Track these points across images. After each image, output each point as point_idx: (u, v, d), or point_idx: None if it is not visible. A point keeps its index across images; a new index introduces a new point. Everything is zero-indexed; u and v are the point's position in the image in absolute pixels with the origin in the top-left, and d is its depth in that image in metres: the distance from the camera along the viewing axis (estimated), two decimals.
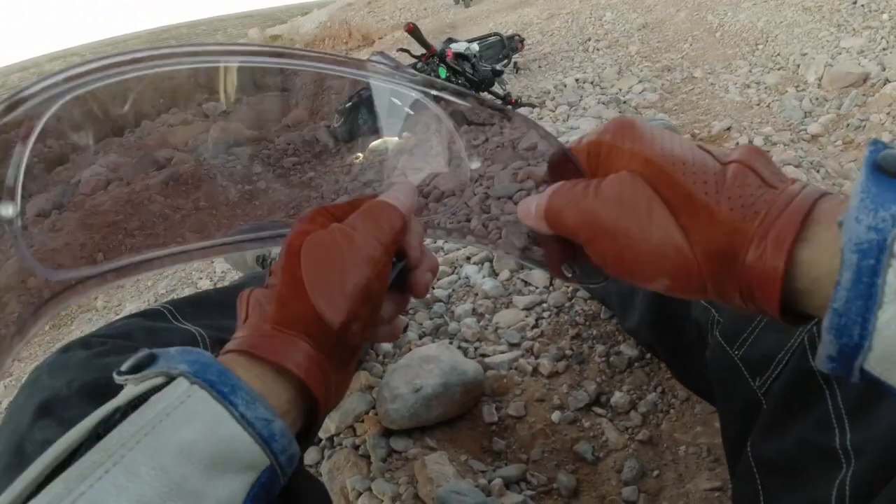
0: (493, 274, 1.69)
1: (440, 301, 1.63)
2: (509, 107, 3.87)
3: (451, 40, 4.64)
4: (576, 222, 0.54)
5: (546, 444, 1.19)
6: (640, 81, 3.91)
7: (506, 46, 5.10)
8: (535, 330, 1.43)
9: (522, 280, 1.62)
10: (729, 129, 2.67)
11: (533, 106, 3.72)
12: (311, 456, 1.22)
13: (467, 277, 1.69)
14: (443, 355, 1.26)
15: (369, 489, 1.11)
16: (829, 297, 0.41)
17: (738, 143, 2.39)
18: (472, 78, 4.04)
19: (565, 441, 1.19)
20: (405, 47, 4.39)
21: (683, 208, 0.48)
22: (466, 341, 1.45)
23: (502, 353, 1.39)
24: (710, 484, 1.04)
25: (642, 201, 0.50)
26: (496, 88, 4.07)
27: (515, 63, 5.16)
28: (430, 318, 1.57)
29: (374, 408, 1.24)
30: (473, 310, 1.56)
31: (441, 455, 1.12)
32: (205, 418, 0.46)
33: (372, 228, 0.56)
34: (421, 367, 1.23)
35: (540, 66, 5.22)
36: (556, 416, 1.22)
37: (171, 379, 0.48)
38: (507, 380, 1.31)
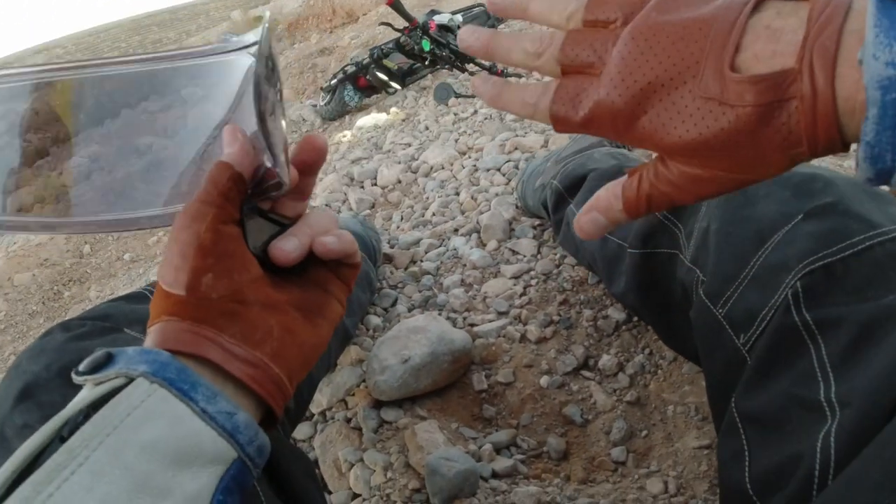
0: (481, 244, 1.69)
1: (428, 273, 1.63)
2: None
3: (433, 12, 4.64)
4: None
5: (535, 408, 1.20)
6: None
7: (490, 17, 5.08)
8: (523, 298, 1.44)
9: (510, 249, 1.63)
10: None
11: (519, 76, 3.71)
12: (303, 431, 1.24)
13: (455, 249, 1.69)
14: (430, 325, 1.27)
15: (361, 460, 1.12)
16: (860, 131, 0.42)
17: None
18: (456, 50, 4.03)
19: (554, 405, 1.20)
20: (388, 21, 4.38)
21: None
22: (455, 312, 1.45)
23: (490, 321, 1.39)
24: (699, 442, 1.05)
25: None
26: (481, 59, 4.05)
27: None
28: (419, 291, 1.57)
29: (364, 381, 1.25)
30: (462, 280, 1.56)
31: (431, 423, 1.13)
32: (166, 416, 0.48)
33: (199, 192, 0.57)
34: (409, 337, 1.24)
35: None
36: (544, 380, 1.23)
37: (131, 380, 0.49)
38: (495, 347, 1.31)
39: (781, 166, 0.48)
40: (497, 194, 1.90)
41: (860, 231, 0.69)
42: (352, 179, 2.53)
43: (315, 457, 1.18)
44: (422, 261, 1.71)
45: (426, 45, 4.15)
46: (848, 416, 0.59)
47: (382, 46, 4.61)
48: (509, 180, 2.00)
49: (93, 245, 3.77)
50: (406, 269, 1.69)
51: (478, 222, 1.78)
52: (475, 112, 2.98)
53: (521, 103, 0.58)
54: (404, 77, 4.72)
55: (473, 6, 5.11)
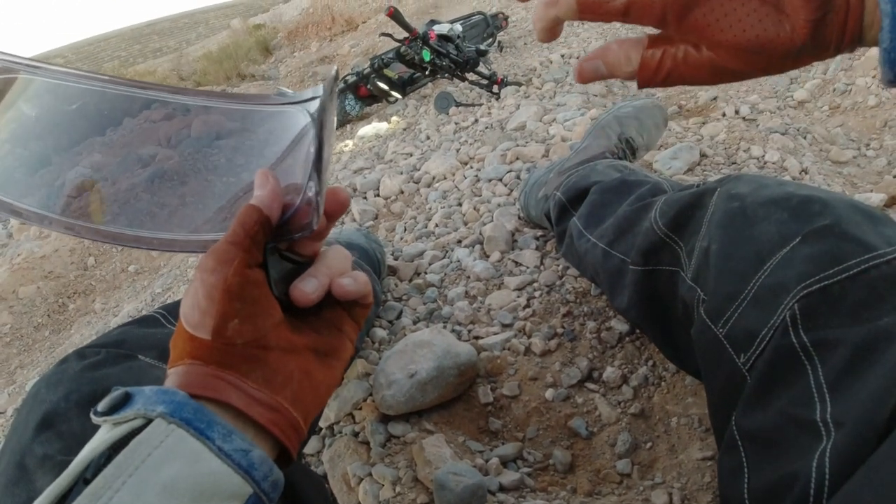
0: (484, 256, 1.71)
1: (433, 286, 1.65)
2: (495, 87, 3.89)
3: (433, 22, 4.67)
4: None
5: (541, 421, 1.22)
6: None
7: (490, 25, 5.10)
8: (527, 310, 1.45)
9: (513, 261, 1.64)
10: (715, 98, 2.68)
11: (519, 84, 3.72)
12: (312, 445, 1.25)
13: (459, 261, 1.71)
14: (435, 339, 1.28)
15: (370, 474, 1.13)
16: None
17: (724, 114, 2.40)
18: (456, 59, 4.04)
19: (559, 418, 1.22)
20: (388, 31, 4.41)
21: None
22: (460, 324, 1.47)
23: (495, 334, 1.41)
24: (702, 454, 1.07)
25: None
26: (481, 68, 4.07)
27: (500, 42, 5.16)
28: (424, 304, 1.59)
29: (371, 395, 1.27)
30: (466, 292, 1.58)
31: (438, 438, 1.15)
32: (185, 455, 0.49)
33: (227, 233, 0.58)
34: (415, 352, 1.26)
35: (525, 44, 5.21)
36: (549, 393, 1.25)
37: (149, 420, 0.51)
38: (500, 360, 1.33)
39: (804, 65, 0.55)
40: (499, 205, 1.92)
41: (856, 254, 0.70)
42: (354, 190, 2.55)
43: (324, 471, 1.20)
44: (426, 273, 1.73)
45: (426, 55, 4.18)
46: (842, 436, 0.60)
47: (383, 56, 4.65)
48: (511, 190, 2.01)
49: (97, 257, 3.79)
50: (410, 281, 1.71)
51: (481, 233, 1.79)
52: (476, 121, 3.00)
53: (543, 7, 0.58)
54: (405, 86, 4.77)
55: (472, 14, 5.13)
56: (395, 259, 1.81)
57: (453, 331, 1.44)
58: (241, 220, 0.58)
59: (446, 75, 4.32)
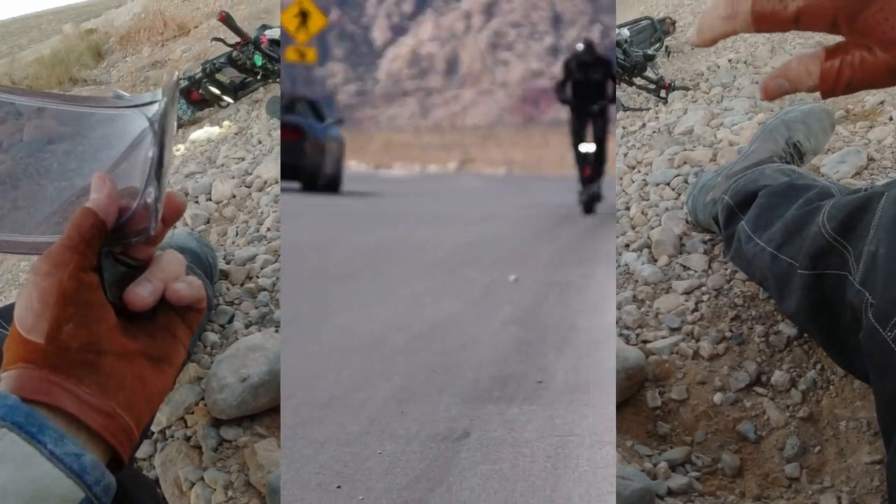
0: (652, 260, 1.72)
1: (265, 290, 1.70)
2: (663, 91, 3.86)
3: (265, 27, 4.81)
4: None
5: (709, 425, 1.23)
6: None
7: (657, 30, 5.04)
8: (695, 314, 1.46)
9: (681, 265, 1.65)
10: (882, 102, 2.59)
11: (687, 89, 3.68)
12: (144, 450, 1.26)
13: (626, 265, 1.72)
14: (268, 343, 1.31)
15: (202, 479, 1.16)
16: None
17: (891, 118, 2.33)
18: (623, 64, 4.03)
19: (728, 422, 1.22)
20: (220, 36, 4.52)
21: None
22: (628, 328, 1.49)
23: (663, 338, 1.42)
24: (871, 457, 1.06)
25: None
26: (649, 73, 4.04)
27: (667, 46, 5.10)
28: (256, 308, 1.64)
29: (203, 399, 1.28)
30: (633, 296, 1.59)
31: (270, 441, 1.17)
32: (16, 459, 0.49)
33: (63, 237, 0.58)
34: (247, 356, 1.28)
35: (692, 48, 5.13)
36: (717, 397, 1.26)
37: None
38: (668, 364, 1.35)
39: None
40: (667, 209, 1.92)
41: None
42: (186, 194, 2.61)
43: (156, 476, 1.21)
44: (258, 277, 1.78)
45: (258, 60, 4.39)
46: None
47: (214, 61, 4.78)
48: (679, 194, 2.01)
49: None
50: (242, 285, 1.75)
51: (648, 237, 1.80)
52: (643, 125, 2.99)
53: (718, 21, 0.59)
54: (237, 91, 4.90)
55: (640, 19, 5.09)
56: (227, 263, 1.86)
57: (621, 334, 1.46)
58: (77, 223, 0.58)
59: (277, 80, 4.43)
